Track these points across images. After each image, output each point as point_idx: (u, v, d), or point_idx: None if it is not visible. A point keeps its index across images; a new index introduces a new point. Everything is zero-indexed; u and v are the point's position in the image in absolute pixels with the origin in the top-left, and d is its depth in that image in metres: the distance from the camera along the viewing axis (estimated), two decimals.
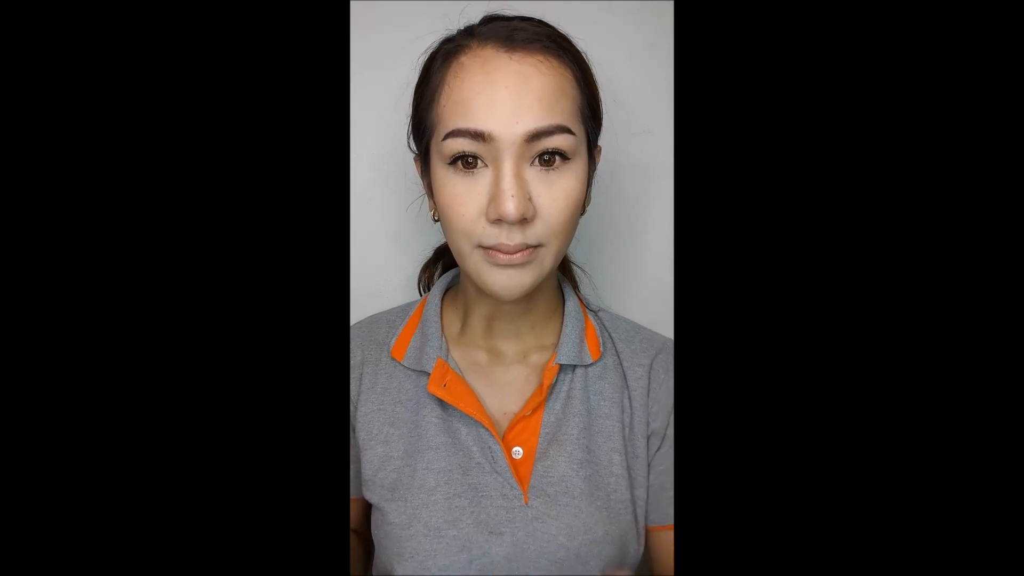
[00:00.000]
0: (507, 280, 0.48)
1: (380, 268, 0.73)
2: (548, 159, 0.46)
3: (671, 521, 0.55)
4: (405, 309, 0.62)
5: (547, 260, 0.49)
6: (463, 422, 0.53)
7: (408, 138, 0.54)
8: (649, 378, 0.56)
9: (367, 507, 0.56)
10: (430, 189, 0.51)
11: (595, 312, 0.61)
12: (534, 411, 0.53)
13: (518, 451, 0.53)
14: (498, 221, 0.46)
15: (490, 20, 0.49)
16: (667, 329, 0.61)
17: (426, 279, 0.67)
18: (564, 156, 0.47)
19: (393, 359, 0.57)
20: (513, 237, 0.46)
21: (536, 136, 0.45)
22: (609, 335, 0.59)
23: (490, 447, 0.52)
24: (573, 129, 0.46)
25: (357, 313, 0.64)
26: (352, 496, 0.59)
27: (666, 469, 0.55)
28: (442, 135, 0.46)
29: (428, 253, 0.66)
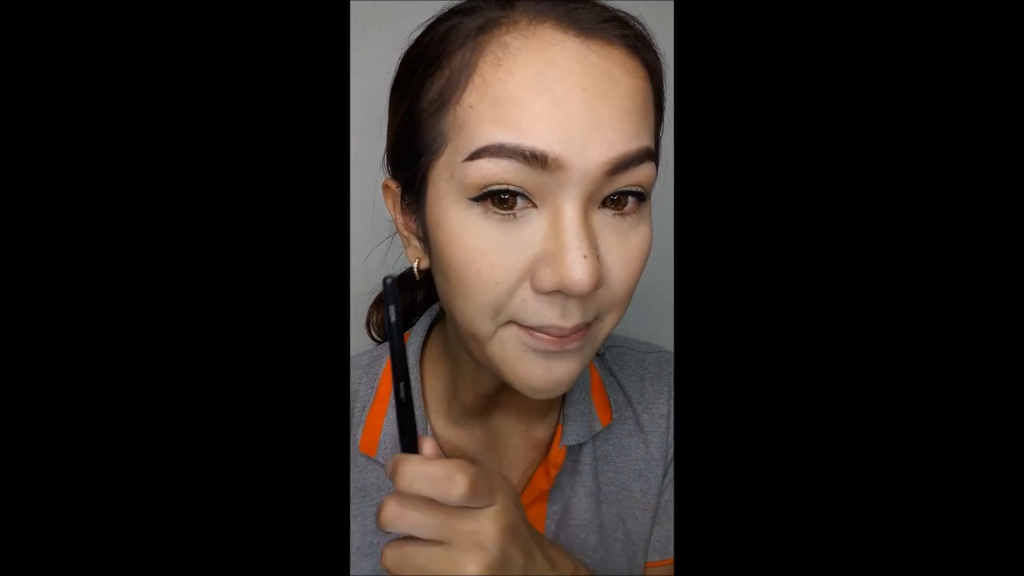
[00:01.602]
0: (548, 372, 0.34)
1: None
2: (620, 200, 0.33)
3: (670, 555, 0.49)
4: (369, 372, 0.47)
5: (600, 340, 0.36)
6: None
7: (383, 158, 0.40)
8: (669, 422, 0.49)
9: None
10: (421, 233, 0.37)
11: (600, 356, 0.51)
12: (538, 498, 0.45)
13: None
14: (554, 292, 0.32)
15: None
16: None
17: (377, 322, 0.53)
18: (642, 196, 0.34)
19: (364, 454, 0.44)
20: (571, 315, 0.33)
21: (622, 166, 0.32)
22: (619, 384, 0.50)
23: None
24: (655, 157, 0.34)
25: None
26: None
27: (669, 499, 0.50)
28: (466, 153, 0.32)
29: (377, 285, 0.52)
